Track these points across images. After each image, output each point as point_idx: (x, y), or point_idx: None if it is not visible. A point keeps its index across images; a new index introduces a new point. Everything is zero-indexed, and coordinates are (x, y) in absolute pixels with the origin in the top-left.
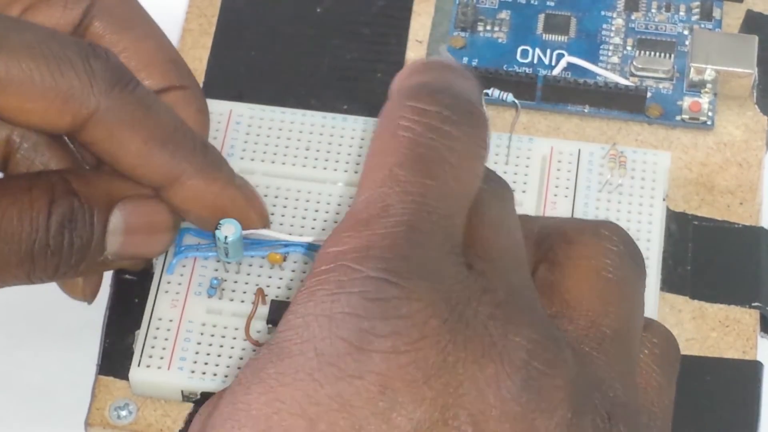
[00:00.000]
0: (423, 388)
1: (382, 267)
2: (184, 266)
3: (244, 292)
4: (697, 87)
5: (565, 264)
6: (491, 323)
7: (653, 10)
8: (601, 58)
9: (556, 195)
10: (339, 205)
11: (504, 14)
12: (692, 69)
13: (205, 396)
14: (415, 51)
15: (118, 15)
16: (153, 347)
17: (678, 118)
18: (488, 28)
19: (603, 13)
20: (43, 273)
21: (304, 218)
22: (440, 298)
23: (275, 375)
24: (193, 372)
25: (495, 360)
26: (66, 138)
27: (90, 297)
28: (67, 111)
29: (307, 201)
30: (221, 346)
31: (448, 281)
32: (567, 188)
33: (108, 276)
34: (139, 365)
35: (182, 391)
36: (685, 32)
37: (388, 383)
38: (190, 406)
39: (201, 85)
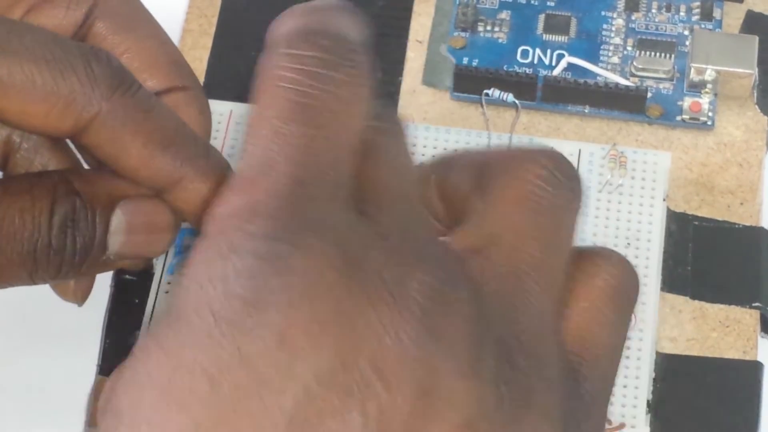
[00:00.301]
0: (321, 338)
1: (271, 224)
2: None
3: None
4: (697, 87)
5: (492, 192)
6: (385, 269)
7: (653, 11)
8: (601, 58)
9: None
10: None
11: (504, 14)
12: (692, 69)
13: None
14: (415, 51)
15: (121, 16)
16: None
17: (678, 118)
18: (488, 28)
19: (603, 13)
20: (45, 273)
21: None
22: (332, 248)
23: (174, 338)
24: None
25: (390, 305)
26: (67, 140)
27: (81, 299)
28: (68, 114)
29: None
30: None
31: (340, 231)
32: None
33: (108, 276)
34: None
35: None
36: (686, 32)
37: (286, 336)
38: None
39: (201, 85)
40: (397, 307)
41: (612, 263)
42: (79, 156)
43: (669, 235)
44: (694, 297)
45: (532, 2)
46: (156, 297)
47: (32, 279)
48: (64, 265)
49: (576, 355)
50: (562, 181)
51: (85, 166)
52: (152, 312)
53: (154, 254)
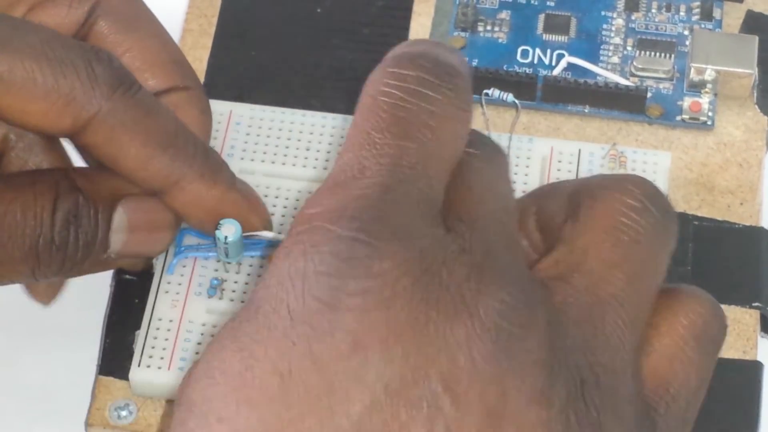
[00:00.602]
0: (394, 347)
1: (355, 227)
2: (184, 266)
3: (245, 293)
4: (697, 87)
5: (582, 221)
6: (465, 284)
7: (653, 11)
8: (601, 58)
9: None
10: None
11: (504, 14)
12: (692, 69)
13: None
14: None
15: (123, 15)
16: (153, 347)
17: (678, 118)
18: (488, 28)
19: (603, 13)
20: (47, 269)
21: None
22: (413, 257)
23: (249, 333)
24: None
25: (466, 321)
26: (62, 141)
27: (49, 299)
28: (67, 113)
29: None
30: None
31: (423, 241)
32: None
33: (108, 276)
34: (139, 365)
35: None
36: (686, 32)
37: (359, 341)
38: None
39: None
40: (474, 325)
41: (699, 302)
42: (74, 157)
43: None
44: None
45: (532, 2)
46: (156, 297)
47: (35, 275)
48: (66, 262)
49: (655, 394)
50: (656, 214)
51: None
52: (152, 312)
53: (154, 253)
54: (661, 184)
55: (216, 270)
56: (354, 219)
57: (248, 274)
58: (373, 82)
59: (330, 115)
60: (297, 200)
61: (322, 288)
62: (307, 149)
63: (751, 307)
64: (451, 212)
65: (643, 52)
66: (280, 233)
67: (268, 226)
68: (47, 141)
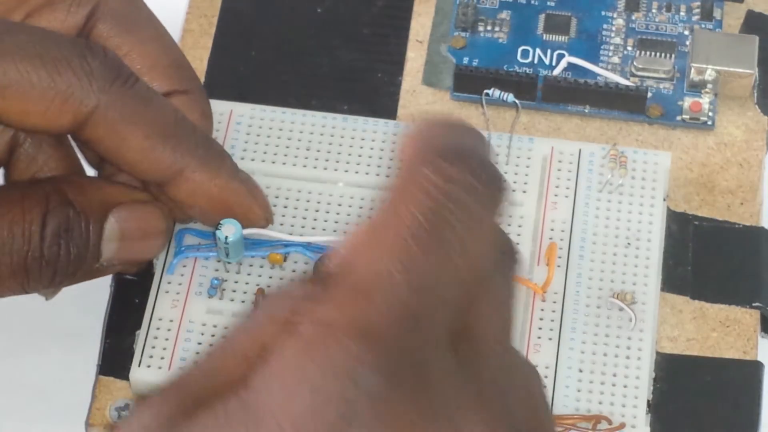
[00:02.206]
0: None
1: (374, 352)
2: (184, 266)
3: (245, 293)
4: (697, 87)
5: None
6: (459, 413)
7: (654, 11)
8: (601, 58)
9: (556, 195)
10: (339, 205)
11: (504, 14)
12: (693, 69)
13: None
14: (415, 51)
15: (123, 17)
16: (153, 347)
17: (678, 118)
18: (489, 28)
19: (603, 13)
20: (38, 283)
21: (304, 218)
22: (424, 396)
23: None
24: None
25: None
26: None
27: (50, 294)
28: (67, 110)
29: (308, 201)
30: None
31: (435, 376)
32: (567, 188)
33: (108, 276)
34: (139, 365)
35: None
36: (686, 32)
37: None
38: None
39: (203, 86)
40: None
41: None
42: (79, 153)
43: (669, 235)
44: (694, 297)
45: (532, 2)
46: (156, 297)
47: (25, 290)
48: (57, 275)
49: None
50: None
51: (85, 165)
52: (152, 312)
53: (146, 259)
54: (662, 184)
55: (216, 270)
56: (375, 342)
57: (248, 274)
58: (415, 167)
59: (330, 115)
60: (297, 200)
61: (333, 412)
62: (307, 149)
63: (752, 307)
64: (462, 330)
65: (643, 52)
66: (280, 233)
67: (270, 217)
68: (54, 138)
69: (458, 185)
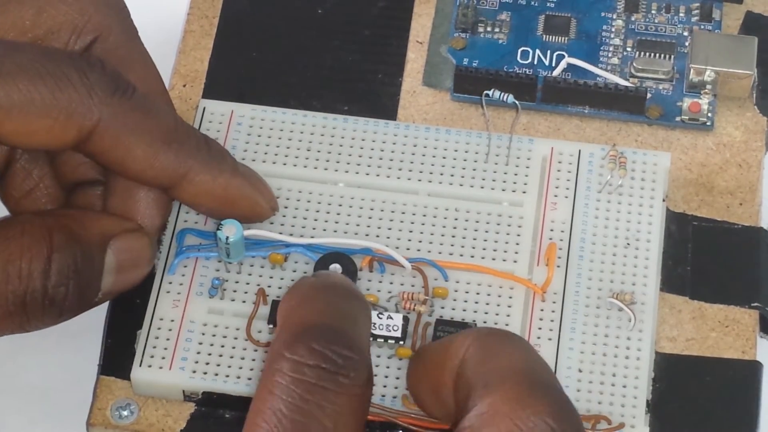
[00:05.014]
0: None
1: None
2: (185, 266)
3: (246, 293)
4: (696, 88)
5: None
6: None
7: (653, 12)
8: (601, 59)
9: (556, 196)
10: (340, 205)
11: (504, 15)
12: (692, 70)
13: (207, 396)
14: (415, 52)
15: (119, 56)
16: (154, 347)
17: (678, 119)
18: (488, 29)
19: (603, 14)
20: (40, 322)
21: (305, 219)
22: None
23: None
24: (194, 372)
25: None
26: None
27: None
28: (71, 125)
29: (308, 201)
30: (222, 347)
31: None
32: (567, 189)
33: None
34: (140, 365)
35: (183, 391)
36: (685, 33)
37: None
38: (191, 405)
39: (202, 86)
40: None
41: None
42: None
43: (668, 235)
44: (693, 297)
45: (532, 3)
46: (157, 297)
47: (24, 329)
48: (63, 314)
49: None
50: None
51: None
52: (153, 312)
53: (130, 287)
54: (661, 184)
55: (217, 270)
56: None
57: (249, 275)
58: (272, 364)
59: (330, 116)
60: (297, 200)
61: None
62: (308, 150)
63: (750, 307)
64: None
65: (642, 53)
66: (281, 233)
67: (275, 206)
68: (50, 153)
69: (312, 376)
